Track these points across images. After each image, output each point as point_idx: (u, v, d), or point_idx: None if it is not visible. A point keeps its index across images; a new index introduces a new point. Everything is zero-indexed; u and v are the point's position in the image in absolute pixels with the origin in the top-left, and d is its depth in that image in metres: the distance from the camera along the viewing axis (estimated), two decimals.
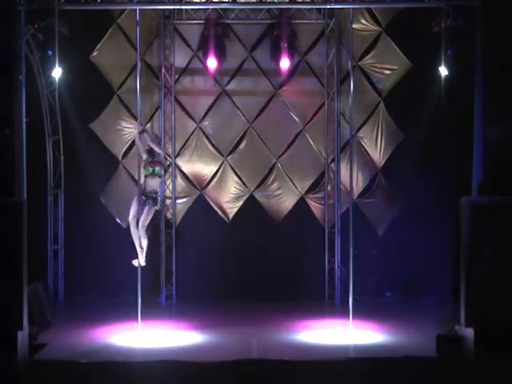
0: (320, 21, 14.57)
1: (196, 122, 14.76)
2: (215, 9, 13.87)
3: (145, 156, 12.21)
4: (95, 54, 14.51)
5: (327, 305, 14.44)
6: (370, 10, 14.23)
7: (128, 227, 14.03)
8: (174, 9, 13.38)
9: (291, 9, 13.88)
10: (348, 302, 12.03)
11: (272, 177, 14.84)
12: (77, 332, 11.79)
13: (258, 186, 14.85)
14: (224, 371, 9.36)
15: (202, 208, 14.85)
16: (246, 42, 14.67)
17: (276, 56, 14.23)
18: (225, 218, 14.86)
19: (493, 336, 9.69)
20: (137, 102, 12.34)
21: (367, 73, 14.61)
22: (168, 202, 14.71)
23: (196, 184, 14.86)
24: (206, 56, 14.17)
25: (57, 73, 12.86)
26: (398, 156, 14.64)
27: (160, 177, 12.50)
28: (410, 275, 14.48)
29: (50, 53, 12.73)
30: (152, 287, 14.39)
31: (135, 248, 12.21)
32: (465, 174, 12.31)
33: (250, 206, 14.83)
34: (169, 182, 14.72)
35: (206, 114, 14.77)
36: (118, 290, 14.24)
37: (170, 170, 14.70)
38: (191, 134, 14.78)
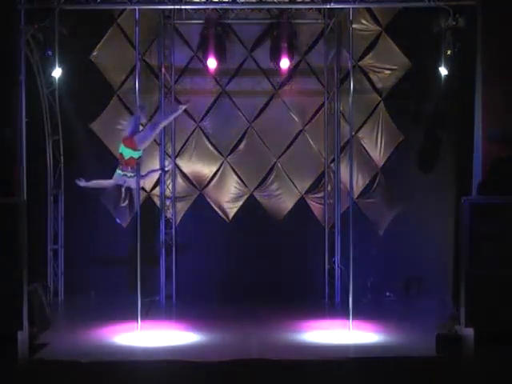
0: (320, 21, 14.58)
1: (196, 122, 14.77)
2: (215, 9, 13.87)
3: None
4: (95, 53, 14.51)
5: (327, 305, 14.44)
6: (370, 10, 14.23)
7: (127, 227, 14.11)
8: (174, 9, 13.37)
9: (291, 9, 13.88)
10: (348, 301, 12.03)
11: (272, 177, 14.84)
12: (77, 332, 11.78)
13: (258, 186, 14.85)
14: (224, 371, 9.35)
15: (202, 208, 14.85)
16: (246, 42, 14.67)
17: (276, 56, 14.22)
18: (225, 218, 14.86)
19: (493, 336, 9.69)
20: (137, 102, 12.37)
21: (367, 73, 14.61)
22: (168, 202, 14.72)
23: (196, 184, 14.86)
24: (205, 56, 14.16)
25: (57, 73, 12.86)
26: (398, 156, 14.65)
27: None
28: (409, 275, 14.49)
29: (50, 53, 12.72)
30: (152, 287, 14.40)
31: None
32: (465, 174, 12.32)
33: (250, 206, 14.84)
34: (169, 181, 14.73)
35: (206, 114, 14.78)
36: (118, 290, 14.25)
37: (170, 169, 14.70)
38: (191, 134, 14.79)
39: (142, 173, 12.19)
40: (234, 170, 14.83)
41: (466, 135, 12.55)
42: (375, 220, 14.72)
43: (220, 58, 14.16)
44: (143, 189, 14.33)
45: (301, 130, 14.80)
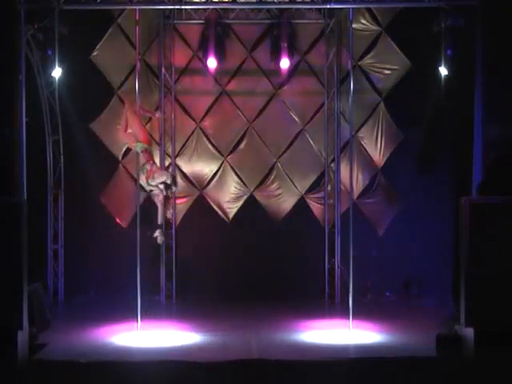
0: (320, 21, 14.58)
1: (196, 122, 14.77)
2: (215, 9, 13.87)
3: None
4: (95, 53, 14.50)
5: (327, 305, 14.44)
6: (370, 10, 14.24)
7: (128, 226, 14.09)
8: (174, 9, 13.37)
9: (291, 9, 13.88)
10: (348, 301, 12.03)
11: (272, 177, 14.85)
12: (77, 332, 11.78)
13: (258, 186, 14.85)
14: (224, 371, 9.35)
15: (202, 208, 14.85)
16: (246, 42, 14.67)
17: (276, 56, 14.24)
18: (225, 218, 14.86)
19: (493, 336, 9.69)
20: (137, 102, 12.37)
21: (367, 73, 14.61)
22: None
23: (196, 184, 14.86)
24: (206, 56, 14.18)
25: (57, 73, 12.87)
26: (398, 156, 14.64)
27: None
28: (409, 275, 14.49)
29: (49, 53, 12.73)
30: (152, 287, 14.39)
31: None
32: (465, 174, 12.31)
33: (250, 206, 14.84)
34: (169, 181, 14.70)
35: (206, 114, 14.78)
36: (118, 290, 14.24)
37: (170, 169, 14.70)
38: (191, 134, 14.79)
39: None
40: (234, 170, 14.83)
41: (465, 135, 12.54)
42: (375, 220, 14.72)
43: (220, 58, 14.18)
44: (143, 188, 14.29)
45: (301, 130, 14.80)
